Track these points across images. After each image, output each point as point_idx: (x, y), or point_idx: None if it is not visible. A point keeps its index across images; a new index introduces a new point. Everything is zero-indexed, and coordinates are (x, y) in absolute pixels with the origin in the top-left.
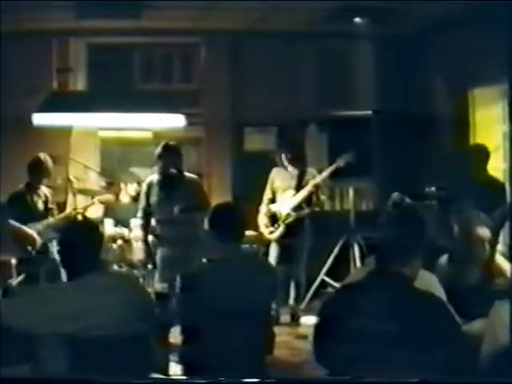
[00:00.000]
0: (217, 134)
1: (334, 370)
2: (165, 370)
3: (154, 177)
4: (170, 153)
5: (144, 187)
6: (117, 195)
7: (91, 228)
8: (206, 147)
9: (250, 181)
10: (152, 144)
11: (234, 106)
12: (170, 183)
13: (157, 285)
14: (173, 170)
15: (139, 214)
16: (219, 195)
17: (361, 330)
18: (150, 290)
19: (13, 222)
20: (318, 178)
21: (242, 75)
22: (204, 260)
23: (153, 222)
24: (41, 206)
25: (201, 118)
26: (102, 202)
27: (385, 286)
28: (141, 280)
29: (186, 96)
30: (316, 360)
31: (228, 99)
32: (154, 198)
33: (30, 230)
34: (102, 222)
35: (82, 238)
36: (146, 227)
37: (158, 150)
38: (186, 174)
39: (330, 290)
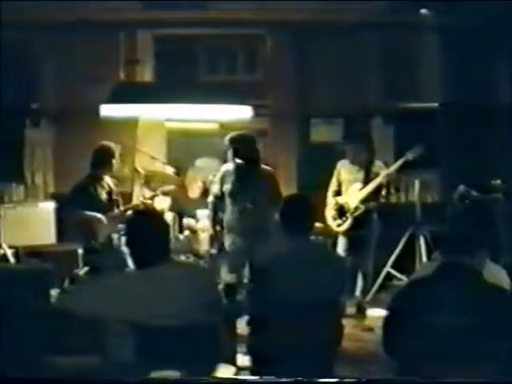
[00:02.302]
0: (282, 126)
1: (403, 363)
2: (232, 361)
3: (227, 166)
4: (244, 143)
5: (217, 177)
6: (184, 188)
7: (159, 219)
8: (271, 139)
9: (316, 172)
10: (218, 135)
11: (300, 97)
12: (243, 174)
13: (225, 275)
14: (246, 161)
15: (210, 198)
16: (285, 187)
17: (431, 323)
18: (218, 280)
19: (79, 211)
20: (390, 170)
21: (307, 66)
22: (274, 251)
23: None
24: (105, 197)
25: (266, 110)
26: (165, 194)
27: (455, 279)
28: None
29: (250, 87)
30: (385, 352)
31: (294, 90)
32: (226, 189)
33: (98, 215)
34: (168, 213)
35: (150, 229)
36: (215, 217)
37: (232, 139)
38: (261, 165)
39: (395, 282)
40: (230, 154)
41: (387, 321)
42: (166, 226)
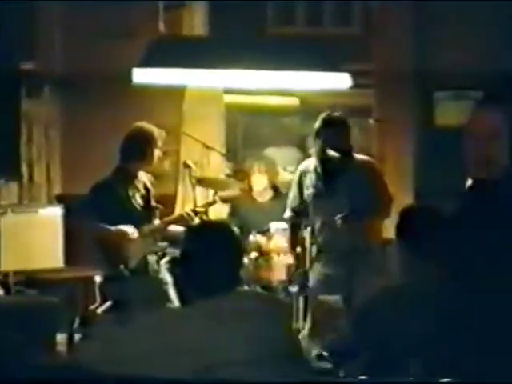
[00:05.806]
0: (393, 102)
1: None
2: None
3: (309, 162)
4: (334, 128)
5: (296, 176)
6: (248, 190)
7: (230, 234)
8: (377, 120)
9: (441, 167)
10: (297, 114)
11: (418, 61)
12: (333, 170)
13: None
14: (337, 152)
15: (287, 213)
16: (395, 187)
17: None
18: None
19: (99, 223)
20: None
21: (428, 17)
22: (385, 282)
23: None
24: (139, 202)
25: (368, 78)
26: (224, 200)
27: None
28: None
29: (344, 46)
30: None
31: (408, 52)
32: (309, 192)
33: (129, 228)
34: None
35: (214, 248)
36: (295, 233)
37: (317, 123)
38: (357, 156)
39: None
40: (317, 143)
41: None
42: (238, 243)
